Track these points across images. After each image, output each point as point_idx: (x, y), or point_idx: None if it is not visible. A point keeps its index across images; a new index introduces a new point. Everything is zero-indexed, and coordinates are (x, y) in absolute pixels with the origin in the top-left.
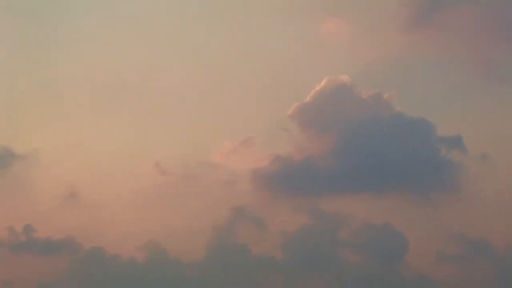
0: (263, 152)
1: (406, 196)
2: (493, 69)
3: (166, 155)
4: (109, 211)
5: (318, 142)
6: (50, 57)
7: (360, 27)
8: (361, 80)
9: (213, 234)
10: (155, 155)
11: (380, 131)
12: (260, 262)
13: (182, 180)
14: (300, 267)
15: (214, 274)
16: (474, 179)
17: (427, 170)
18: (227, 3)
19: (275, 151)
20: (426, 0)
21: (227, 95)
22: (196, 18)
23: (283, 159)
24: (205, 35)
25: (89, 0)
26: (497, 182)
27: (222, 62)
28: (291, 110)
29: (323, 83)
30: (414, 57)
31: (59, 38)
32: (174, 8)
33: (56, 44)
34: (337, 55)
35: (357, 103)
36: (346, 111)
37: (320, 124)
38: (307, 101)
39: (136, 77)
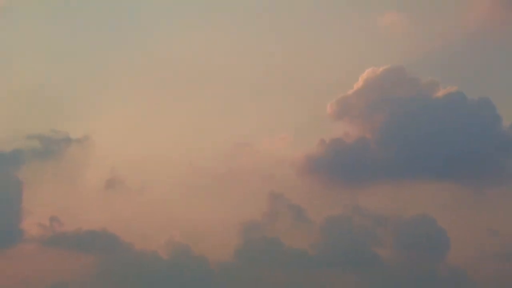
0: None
1: (456, 188)
2: None
3: (210, 146)
4: (148, 201)
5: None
6: (107, 46)
7: (418, 20)
8: (417, 68)
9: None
10: (202, 146)
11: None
12: (293, 256)
13: (226, 171)
14: (334, 263)
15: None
16: None
17: (485, 162)
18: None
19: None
20: None
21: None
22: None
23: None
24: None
25: None
26: None
27: (287, 52)
28: (344, 97)
29: (377, 71)
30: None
31: (119, 28)
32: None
33: (115, 35)
34: (395, 46)
35: (413, 89)
36: (401, 97)
37: (372, 111)
38: (360, 89)
39: (187, 66)
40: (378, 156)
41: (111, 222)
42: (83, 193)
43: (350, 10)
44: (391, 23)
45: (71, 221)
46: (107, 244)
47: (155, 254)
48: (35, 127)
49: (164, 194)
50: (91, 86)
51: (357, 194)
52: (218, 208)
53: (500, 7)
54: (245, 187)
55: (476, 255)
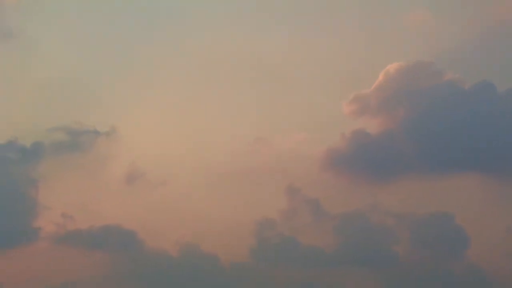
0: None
1: (477, 183)
2: None
3: (229, 142)
4: (167, 196)
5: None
6: (137, 39)
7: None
8: (442, 62)
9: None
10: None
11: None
12: (309, 255)
13: (244, 167)
14: (352, 261)
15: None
16: None
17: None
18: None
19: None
20: None
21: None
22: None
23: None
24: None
25: None
26: None
27: (308, 48)
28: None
29: (400, 66)
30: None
31: (150, 20)
32: None
33: (146, 28)
34: (420, 42)
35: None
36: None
37: (395, 105)
38: (382, 84)
39: (213, 62)
40: (400, 150)
41: (128, 218)
42: (103, 188)
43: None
44: (415, 19)
45: (87, 218)
46: (122, 241)
47: (168, 252)
48: (58, 119)
49: (183, 190)
50: (119, 77)
51: (377, 190)
52: (235, 205)
53: None
54: (263, 183)
55: (496, 254)
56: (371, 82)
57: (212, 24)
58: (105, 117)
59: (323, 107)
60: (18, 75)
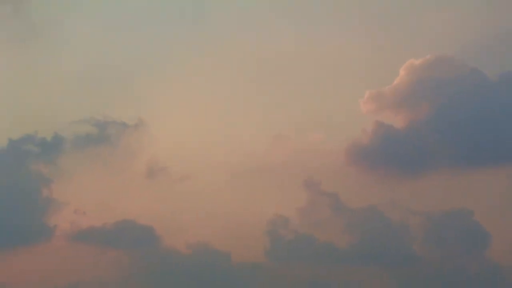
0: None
1: (499, 178)
2: None
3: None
4: (186, 192)
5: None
6: (167, 31)
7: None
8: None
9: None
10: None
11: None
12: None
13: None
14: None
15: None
16: None
17: None
18: None
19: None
20: None
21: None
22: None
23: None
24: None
25: None
26: None
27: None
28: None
29: (423, 60)
30: None
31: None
32: None
33: (177, 20)
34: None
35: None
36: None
37: (418, 100)
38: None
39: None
40: (419, 147)
41: (146, 215)
42: (123, 183)
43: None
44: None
45: (105, 214)
46: (139, 238)
47: (183, 250)
48: (82, 112)
49: (202, 186)
50: (148, 69)
51: (395, 186)
52: (253, 202)
53: None
54: (282, 180)
55: None
56: (391, 78)
57: (240, 24)
58: (131, 109)
59: (342, 104)
60: (45, 68)
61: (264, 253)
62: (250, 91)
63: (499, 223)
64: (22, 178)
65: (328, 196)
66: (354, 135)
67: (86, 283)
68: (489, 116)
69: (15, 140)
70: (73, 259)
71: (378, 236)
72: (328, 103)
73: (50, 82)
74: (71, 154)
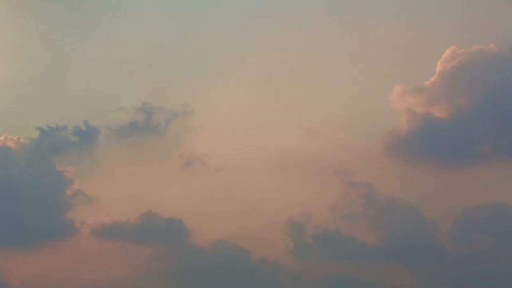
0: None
1: None
2: None
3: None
4: (221, 184)
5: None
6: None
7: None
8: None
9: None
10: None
11: None
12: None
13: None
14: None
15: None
16: None
17: None
18: None
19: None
20: None
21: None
22: None
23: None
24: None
25: None
26: None
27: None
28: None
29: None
30: None
31: None
32: None
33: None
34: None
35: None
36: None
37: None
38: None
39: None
40: (454, 140)
41: (175, 207)
42: (159, 174)
43: None
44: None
45: (133, 207)
46: (169, 232)
47: (211, 246)
48: (122, 99)
49: (237, 178)
50: (198, 60)
51: (430, 180)
52: (284, 197)
53: None
54: (314, 175)
55: None
56: (431, 68)
57: (279, 21)
58: (177, 98)
59: (376, 97)
60: (93, 55)
61: (287, 251)
62: (287, 86)
63: None
64: (52, 171)
65: (362, 187)
66: (390, 126)
67: (115, 280)
68: None
69: (52, 128)
70: (101, 255)
71: (410, 232)
72: (363, 95)
73: (100, 69)
74: (108, 144)
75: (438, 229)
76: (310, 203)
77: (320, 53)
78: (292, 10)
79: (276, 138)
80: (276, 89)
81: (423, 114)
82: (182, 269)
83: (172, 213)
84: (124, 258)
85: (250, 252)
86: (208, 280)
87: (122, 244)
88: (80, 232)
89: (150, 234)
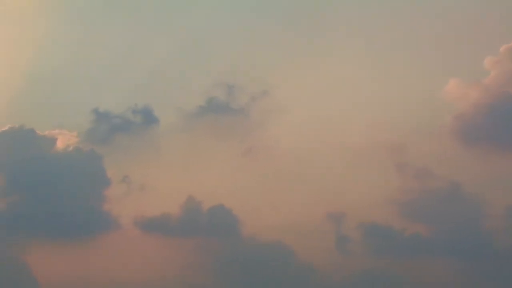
0: None
1: None
2: None
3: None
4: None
5: None
6: None
7: None
8: None
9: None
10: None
11: None
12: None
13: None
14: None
15: None
16: None
17: None
18: None
19: None
20: None
21: None
22: None
23: None
24: None
25: None
26: None
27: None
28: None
29: None
30: None
31: None
32: None
33: None
34: None
35: None
36: None
37: None
38: None
39: None
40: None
41: (231, 197)
42: (220, 161)
43: None
44: None
45: (184, 197)
46: (224, 225)
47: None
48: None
49: (302, 164)
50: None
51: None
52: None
53: None
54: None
55: None
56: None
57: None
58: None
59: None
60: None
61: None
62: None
63: None
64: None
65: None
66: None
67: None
68: None
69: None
70: (143, 247)
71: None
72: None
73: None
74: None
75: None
76: (369, 194)
77: (384, 46)
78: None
79: (342, 128)
80: (348, 79)
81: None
82: (233, 263)
83: (228, 204)
84: (170, 252)
85: (295, 247)
86: (257, 275)
87: (167, 237)
88: (123, 225)
89: (195, 226)
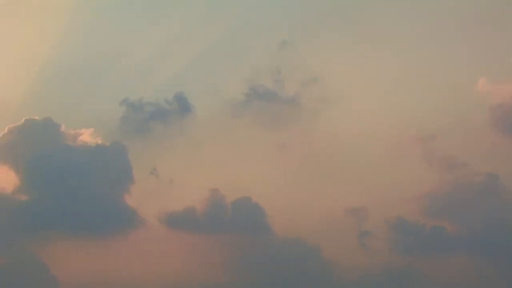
0: None
1: None
2: None
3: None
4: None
5: None
6: None
7: None
8: None
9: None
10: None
11: None
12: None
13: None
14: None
15: None
16: None
17: None
18: None
19: None
20: None
21: None
22: None
23: None
24: None
25: None
26: None
27: None
28: None
29: None
30: None
31: None
32: None
33: None
34: None
35: None
36: None
37: None
38: None
39: None
40: None
41: (259, 193)
42: (252, 155)
43: None
44: None
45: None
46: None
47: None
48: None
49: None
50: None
51: None
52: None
53: None
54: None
55: None
56: None
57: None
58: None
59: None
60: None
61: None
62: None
63: None
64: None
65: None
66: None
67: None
68: None
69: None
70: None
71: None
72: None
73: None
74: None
75: None
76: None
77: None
78: None
79: (378, 122)
80: (390, 74)
81: None
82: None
83: (257, 199)
84: (196, 248)
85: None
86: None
87: (192, 233)
88: (147, 221)
89: (222, 222)
